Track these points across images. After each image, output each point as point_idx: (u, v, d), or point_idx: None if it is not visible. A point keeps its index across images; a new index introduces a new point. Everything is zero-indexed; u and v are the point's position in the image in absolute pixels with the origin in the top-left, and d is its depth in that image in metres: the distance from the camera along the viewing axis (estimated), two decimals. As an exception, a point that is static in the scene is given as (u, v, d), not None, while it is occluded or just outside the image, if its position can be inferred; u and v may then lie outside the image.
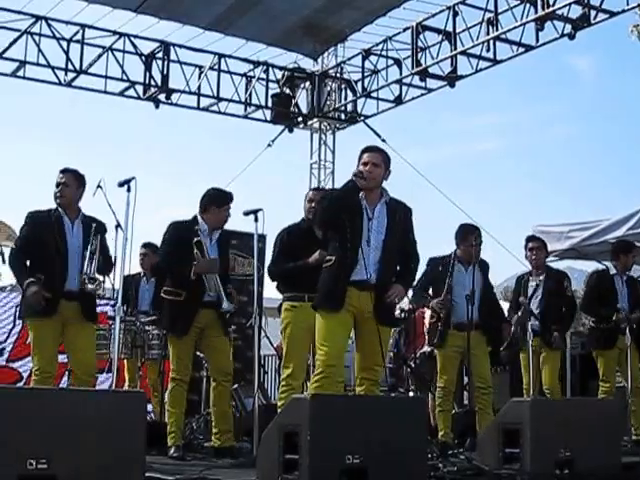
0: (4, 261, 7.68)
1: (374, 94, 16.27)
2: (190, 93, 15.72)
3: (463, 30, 13.96)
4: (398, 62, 15.46)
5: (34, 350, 7.31)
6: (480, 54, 14.14)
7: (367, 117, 16.74)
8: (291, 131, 17.00)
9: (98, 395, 5.39)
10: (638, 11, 13.67)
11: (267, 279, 8.27)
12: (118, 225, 7.18)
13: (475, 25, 13.77)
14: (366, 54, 15.80)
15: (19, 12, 14.05)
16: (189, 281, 7.67)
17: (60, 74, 14.59)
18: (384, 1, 14.14)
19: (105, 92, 15.12)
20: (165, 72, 15.26)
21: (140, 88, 15.37)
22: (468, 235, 8.63)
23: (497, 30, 13.44)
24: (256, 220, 7.65)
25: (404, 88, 15.89)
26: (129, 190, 6.71)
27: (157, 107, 15.49)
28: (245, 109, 16.57)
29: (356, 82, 16.34)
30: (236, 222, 8.38)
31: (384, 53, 15.56)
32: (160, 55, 15.21)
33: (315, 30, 15.10)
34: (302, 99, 16.96)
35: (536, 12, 12.77)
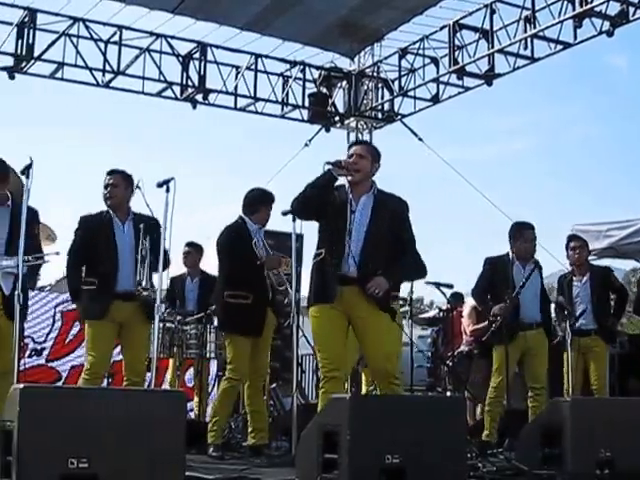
0: (45, 261, 7.71)
1: (411, 93, 16.18)
2: (227, 93, 15.71)
3: (500, 28, 13.87)
4: (435, 61, 15.39)
5: (87, 350, 7.40)
6: (517, 52, 14.07)
7: (404, 116, 16.65)
8: (328, 131, 16.97)
9: (139, 394, 5.41)
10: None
11: (305, 279, 8.31)
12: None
13: (512, 23, 13.68)
14: (403, 53, 15.73)
15: (57, 14, 14.10)
16: (254, 284, 7.83)
17: (98, 75, 14.62)
18: (421, 0, 14.11)
19: (143, 93, 15.15)
20: (202, 73, 15.27)
21: (177, 89, 15.39)
22: (523, 232, 8.68)
23: (535, 28, 13.34)
24: (294, 220, 7.66)
25: (441, 87, 15.81)
26: (168, 190, 6.75)
27: (194, 107, 15.51)
28: (282, 109, 16.53)
29: (393, 81, 16.29)
30: (274, 222, 8.41)
31: (421, 52, 15.47)
32: (197, 56, 15.22)
33: (352, 29, 15.06)
34: (339, 98, 16.92)
35: (574, 9, 12.67)
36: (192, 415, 9.71)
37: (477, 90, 15.28)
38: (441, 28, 14.80)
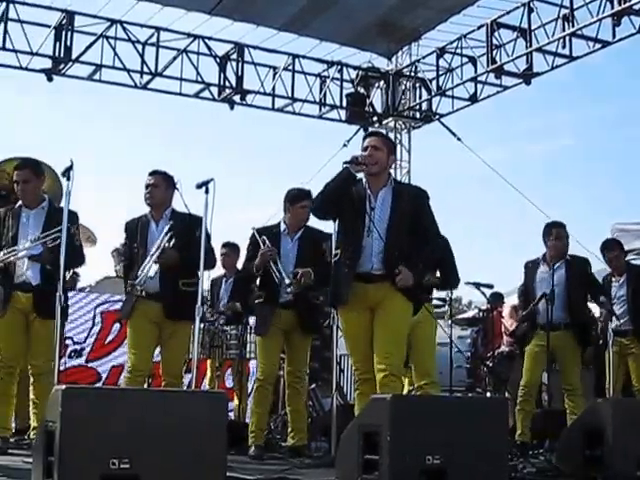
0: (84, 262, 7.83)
1: (449, 92, 16.15)
2: (265, 94, 15.75)
3: (538, 27, 13.83)
4: (473, 60, 15.34)
5: (129, 349, 7.46)
6: (556, 51, 14.00)
7: (442, 115, 16.60)
8: (366, 130, 16.93)
9: (180, 395, 5.42)
10: None
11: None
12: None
13: (551, 21, 13.63)
14: (440, 52, 15.70)
15: (95, 16, 14.22)
16: (264, 282, 7.89)
17: (136, 77, 14.73)
18: (458, -1, 14.08)
19: (180, 94, 15.23)
20: (239, 73, 15.31)
21: (215, 90, 15.46)
22: (553, 230, 8.69)
23: (573, 26, 13.29)
24: (334, 221, 7.63)
25: (479, 86, 15.78)
26: (207, 192, 6.75)
27: (232, 108, 15.56)
28: (320, 109, 16.56)
29: (431, 81, 16.27)
30: (314, 223, 8.39)
31: (459, 51, 15.44)
32: (234, 56, 15.27)
33: (389, 29, 15.05)
34: (377, 98, 16.93)
35: (612, 7, 12.62)
36: (232, 416, 9.73)
37: (515, 89, 15.26)
38: (479, 27, 14.76)
